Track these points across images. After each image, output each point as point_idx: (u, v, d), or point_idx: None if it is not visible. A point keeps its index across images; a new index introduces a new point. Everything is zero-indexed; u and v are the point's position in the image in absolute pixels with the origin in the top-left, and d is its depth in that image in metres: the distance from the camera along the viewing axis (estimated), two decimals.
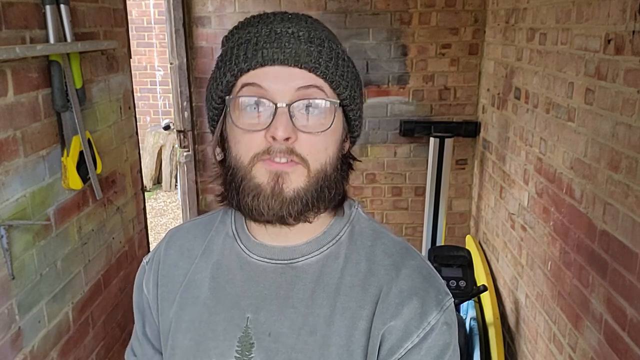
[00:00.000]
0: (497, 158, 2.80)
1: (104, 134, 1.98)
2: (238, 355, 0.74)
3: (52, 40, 1.56)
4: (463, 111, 3.18)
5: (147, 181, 6.08)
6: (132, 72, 2.30)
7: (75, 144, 1.68)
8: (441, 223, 3.10)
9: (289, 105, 0.67)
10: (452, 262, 2.45)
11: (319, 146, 0.70)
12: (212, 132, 0.79)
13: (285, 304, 0.75)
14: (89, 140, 1.76)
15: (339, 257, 0.77)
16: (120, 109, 2.15)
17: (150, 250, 0.94)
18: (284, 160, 0.68)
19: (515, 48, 2.51)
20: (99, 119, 1.94)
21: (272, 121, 0.67)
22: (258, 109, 0.69)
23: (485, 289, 2.46)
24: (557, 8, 2.02)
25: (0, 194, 1.38)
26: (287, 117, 0.67)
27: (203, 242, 0.84)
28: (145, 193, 2.55)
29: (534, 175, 2.25)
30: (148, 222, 2.52)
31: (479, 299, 2.76)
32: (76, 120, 1.66)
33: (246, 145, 0.70)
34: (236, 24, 0.76)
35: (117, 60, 2.11)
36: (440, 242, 3.11)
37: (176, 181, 5.88)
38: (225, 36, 0.76)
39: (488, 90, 2.96)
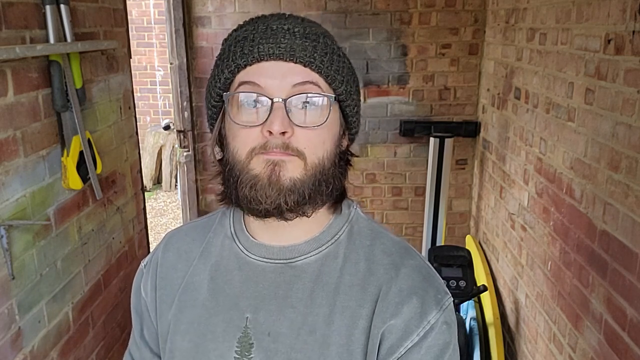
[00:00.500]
0: (497, 158, 2.80)
1: (104, 134, 1.98)
2: (237, 356, 0.74)
3: (52, 40, 1.56)
4: (463, 111, 3.18)
5: (147, 181, 6.08)
6: (132, 72, 2.30)
7: (75, 144, 1.68)
8: (441, 223, 3.10)
9: (285, 100, 0.68)
10: (452, 262, 2.45)
11: (315, 140, 0.70)
12: (211, 131, 0.79)
13: (284, 303, 0.75)
14: (89, 140, 1.76)
15: (338, 257, 0.77)
16: (120, 109, 2.15)
17: (150, 251, 0.94)
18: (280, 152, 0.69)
19: (515, 48, 2.51)
20: (99, 119, 1.94)
21: (268, 116, 0.68)
22: (255, 105, 0.70)
23: (485, 289, 2.46)
24: (557, 8, 2.02)
25: (0, 194, 1.38)
26: (283, 112, 0.68)
27: (201, 244, 0.84)
28: (145, 193, 2.55)
29: (534, 175, 2.25)
30: (148, 222, 2.52)
31: (479, 299, 2.76)
32: (76, 120, 1.66)
33: (243, 140, 0.70)
34: (235, 27, 0.77)
35: (117, 60, 2.11)
36: (440, 242, 3.11)
37: (176, 181, 5.88)
38: (224, 38, 0.77)
39: (488, 90, 2.96)
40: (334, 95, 0.72)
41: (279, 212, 0.71)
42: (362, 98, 3.13)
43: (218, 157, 0.78)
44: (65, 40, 1.62)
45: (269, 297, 0.76)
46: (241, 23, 0.77)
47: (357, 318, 0.73)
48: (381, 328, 0.72)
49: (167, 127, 5.93)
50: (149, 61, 6.38)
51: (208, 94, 0.77)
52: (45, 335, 1.60)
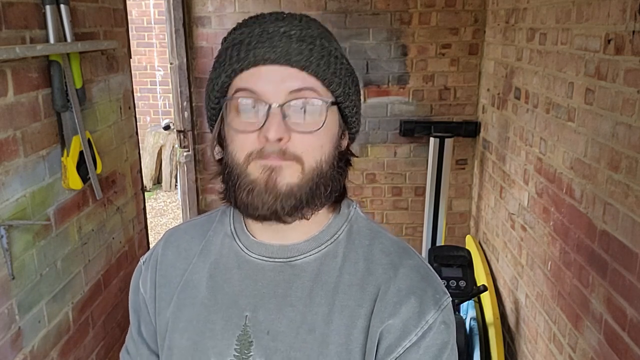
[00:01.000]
0: (497, 158, 2.80)
1: (104, 134, 1.98)
2: (237, 354, 0.75)
3: (52, 40, 1.56)
4: (463, 111, 3.18)
5: (147, 181, 6.07)
6: (132, 72, 2.30)
7: (75, 144, 1.68)
8: (441, 223, 3.10)
9: (281, 106, 0.68)
10: (452, 262, 2.45)
11: (313, 144, 0.71)
12: (212, 131, 0.80)
13: (283, 302, 0.75)
14: (89, 140, 1.76)
15: (337, 256, 0.77)
16: (120, 109, 2.15)
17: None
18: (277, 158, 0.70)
19: (515, 48, 2.51)
20: (99, 119, 1.94)
21: (265, 122, 0.68)
22: (253, 109, 0.70)
23: (485, 289, 2.46)
24: (557, 8, 2.02)
25: (0, 194, 1.38)
26: (279, 117, 0.68)
27: (200, 242, 0.84)
28: (145, 193, 2.55)
29: (534, 175, 2.25)
30: (148, 222, 2.52)
31: (479, 299, 2.76)
32: (76, 120, 1.66)
33: (241, 144, 0.71)
34: (235, 25, 0.76)
35: (117, 60, 2.11)
36: (440, 242, 3.11)
37: (176, 181, 5.88)
38: (224, 37, 0.77)
39: (488, 90, 2.96)
40: (331, 100, 0.72)
41: (277, 216, 0.71)
42: (362, 98, 3.14)
43: (218, 157, 0.79)
44: (65, 40, 1.62)
45: (268, 295, 0.76)
46: (240, 22, 0.76)
47: (356, 317, 0.73)
48: (379, 327, 0.72)
49: (167, 127, 5.93)
50: (149, 61, 6.38)
51: (207, 97, 0.78)
52: (45, 335, 1.60)
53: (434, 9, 3.03)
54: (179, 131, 3.17)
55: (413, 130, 3.14)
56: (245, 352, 0.75)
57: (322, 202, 0.75)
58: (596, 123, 1.69)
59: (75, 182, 1.68)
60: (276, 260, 0.77)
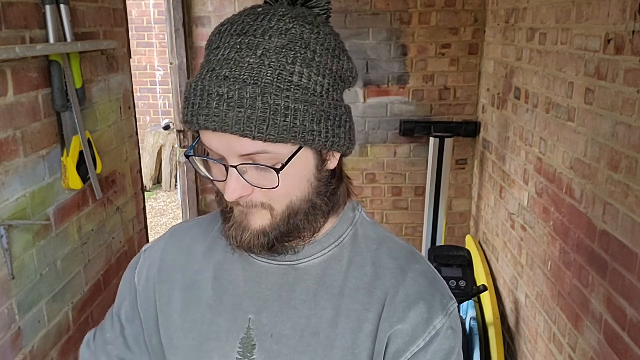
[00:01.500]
0: (497, 158, 2.80)
1: (104, 134, 1.98)
2: (240, 357, 0.75)
3: (52, 40, 1.56)
4: (463, 111, 3.18)
5: (147, 181, 6.07)
6: (132, 72, 2.30)
7: (75, 144, 1.68)
8: (441, 223, 3.10)
9: (236, 166, 0.67)
10: (452, 262, 2.45)
11: (278, 194, 0.69)
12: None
13: (287, 305, 0.75)
14: (89, 140, 1.76)
15: (342, 260, 0.77)
16: (120, 109, 2.15)
17: None
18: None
19: (515, 48, 2.51)
20: (99, 119, 1.94)
21: (227, 178, 0.68)
22: (216, 163, 0.70)
23: (485, 289, 2.46)
24: (557, 8, 2.02)
25: (0, 194, 1.38)
26: (237, 176, 0.67)
27: (205, 242, 0.84)
28: (145, 193, 2.55)
29: (534, 175, 2.25)
30: (148, 222, 2.52)
31: (479, 299, 2.76)
32: (76, 120, 1.66)
33: (219, 188, 0.74)
34: (214, 30, 0.71)
35: (117, 60, 2.11)
36: (440, 242, 3.11)
37: (176, 181, 5.88)
38: (209, 38, 0.71)
39: (488, 90, 2.96)
40: (288, 155, 0.66)
41: (251, 252, 0.74)
42: (362, 98, 3.15)
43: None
44: (65, 40, 1.62)
45: (272, 298, 0.76)
46: (219, 27, 0.70)
47: (363, 322, 0.73)
48: (388, 332, 0.72)
49: (167, 127, 5.93)
50: (149, 61, 6.38)
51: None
52: (45, 335, 1.60)
53: (434, 9, 3.03)
54: (179, 131, 3.17)
55: (413, 130, 3.14)
56: (249, 355, 0.75)
57: (313, 227, 0.75)
58: (596, 123, 1.69)
59: (75, 182, 1.68)
60: (280, 263, 0.77)
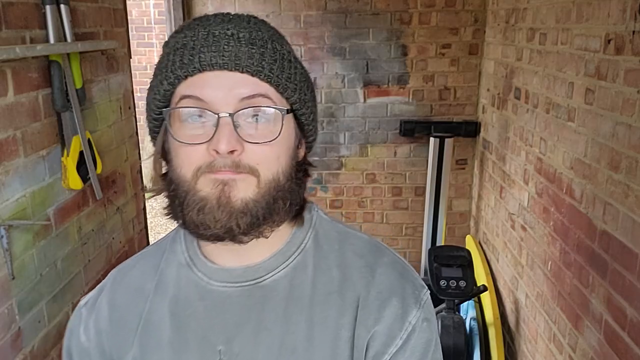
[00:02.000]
0: (497, 158, 2.80)
1: (104, 134, 1.98)
2: None
3: (52, 40, 1.56)
4: (463, 111, 3.18)
5: (147, 181, 6.06)
6: (132, 72, 2.30)
7: (75, 144, 1.68)
8: (441, 223, 3.10)
9: (232, 115, 0.62)
10: (452, 262, 2.45)
11: (269, 155, 0.65)
12: (154, 144, 0.72)
13: (257, 328, 0.69)
14: (89, 140, 1.76)
15: (307, 267, 0.72)
16: (120, 109, 2.15)
17: None
18: (229, 175, 0.63)
19: (515, 48, 2.51)
20: (99, 119, 1.94)
21: (214, 133, 0.62)
22: (199, 119, 0.64)
23: (485, 289, 2.46)
24: (557, 8, 2.02)
25: (0, 194, 1.38)
26: (230, 127, 0.62)
27: (154, 277, 0.76)
28: (145, 193, 2.55)
29: (534, 175, 2.25)
30: (148, 222, 2.52)
31: (479, 299, 2.76)
32: (76, 120, 1.66)
33: (188, 158, 0.64)
34: (177, 28, 0.70)
35: (117, 60, 2.11)
36: (440, 242, 3.11)
37: None
38: (165, 42, 0.70)
39: (488, 90, 2.96)
40: (287, 107, 0.66)
41: (231, 236, 0.65)
42: (362, 98, 3.15)
43: (161, 172, 0.71)
44: (65, 40, 1.62)
45: (240, 323, 0.70)
46: (182, 24, 0.69)
47: (339, 328, 0.69)
48: (367, 336, 0.69)
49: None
50: (149, 61, 6.37)
51: (147, 107, 0.70)
52: (45, 335, 1.60)
53: (434, 9, 3.03)
54: None
55: (413, 130, 3.14)
56: None
57: (281, 218, 0.68)
58: (596, 123, 1.69)
59: (75, 182, 1.68)
60: (242, 284, 0.70)
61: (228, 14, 0.68)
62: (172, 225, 0.73)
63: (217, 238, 0.65)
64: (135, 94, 2.36)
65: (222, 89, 0.62)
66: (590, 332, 1.71)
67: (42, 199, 1.58)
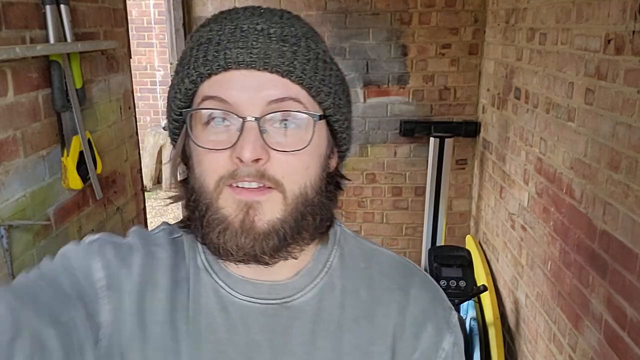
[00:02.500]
0: (497, 158, 2.80)
1: (104, 134, 1.98)
2: None
3: (52, 40, 1.56)
4: (463, 111, 3.18)
5: (147, 181, 6.07)
6: (132, 72, 2.30)
7: (75, 144, 1.68)
8: (441, 223, 3.10)
9: (258, 119, 0.56)
10: (452, 262, 2.45)
11: (297, 166, 0.58)
12: (174, 147, 0.67)
13: (282, 350, 0.63)
14: (89, 140, 1.76)
15: (334, 288, 0.66)
16: (120, 109, 2.15)
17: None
18: (253, 185, 0.57)
19: (515, 48, 2.51)
20: (99, 119, 1.94)
21: (238, 138, 0.56)
22: (223, 123, 0.58)
23: (485, 289, 2.46)
24: (557, 8, 2.02)
25: (0, 194, 1.38)
26: (256, 133, 0.56)
27: (167, 269, 0.66)
28: (145, 193, 2.55)
29: (534, 175, 2.25)
30: (148, 222, 2.52)
31: (479, 299, 2.76)
32: (76, 120, 1.67)
33: (209, 166, 0.58)
34: (202, 22, 0.64)
35: (117, 60, 2.11)
36: (440, 242, 3.11)
37: None
38: (189, 35, 0.64)
39: (488, 90, 2.96)
40: (320, 113, 0.60)
41: (256, 260, 0.59)
42: (363, 98, 3.15)
43: (180, 177, 0.66)
44: (65, 40, 1.62)
45: (261, 344, 0.63)
46: (209, 18, 0.64)
47: (370, 357, 0.64)
48: None
49: (167, 127, 5.93)
50: (149, 61, 6.37)
51: (168, 106, 0.65)
52: None
53: (434, 9, 3.03)
54: None
55: (413, 130, 3.14)
56: None
57: (310, 236, 0.63)
58: (596, 123, 1.69)
59: (75, 182, 1.68)
60: (269, 302, 0.64)
61: (259, 7, 0.62)
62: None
63: (241, 262, 0.60)
64: (135, 94, 2.36)
65: (248, 90, 0.57)
66: (590, 332, 1.71)
67: (42, 199, 1.58)
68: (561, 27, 1.98)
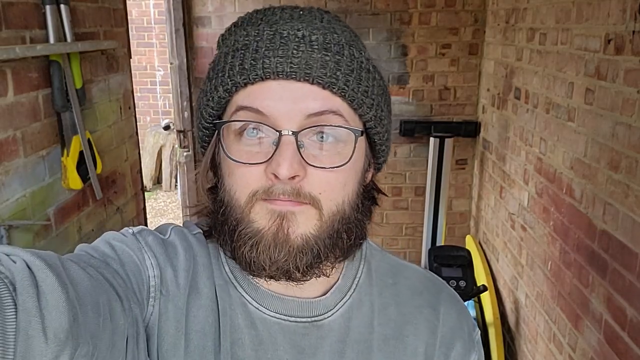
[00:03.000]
0: (497, 158, 2.80)
1: (104, 134, 1.98)
2: None
3: (52, 40, 1.56)
4: (463, 111, 3.18)
5: (147, 181, 6.07)
6: (132, 72, 2.30)
7: (75, 144, 1.68)
8: (441, 223, 3.10)
9: (296, 134, 0.53)
10: (452, 262, 2.45)
11: (334, 183, 0.55)
12: (203, 154, 0.63)
13: None
14: (89, 140, 1.76)
15: (363, 305, 0.64)
16: (120, 109, 2.15)
17: None
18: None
19: (515, 48, 2.51)
20: (99, 119, 1.94)
21: (274, 153, 0.53)
22: (257, 135, 0.55)
23: (485, 289, 2.46)
24: (557, 8, 2.02)
25: (0, 194, 1.38)
26: (293, 148, 0.52)
27: (205, 274, 0.62)
28: (145, 193, 2.55)
29: (534, 175, 2.25)
30: (148, 222, 2.53)
31: (479, 299, 2.76)
32: (76, 120, 1.67)
33: (242, 180, 0.55)
34: (235, 21, 0.61)
35: (117, 60, 2.11)
36: (440, 242, 3.11)
37: (176, 181, 5.88)
38: (222, 35, 0.61)
39: (488, 90, 2.96)
40: (361, 129, 0.56)
41: (288, 276, 0.56)
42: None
43: (209, 185, 0.63)
44: (65, 40, 1.62)
45: None
46: (243, 16, 0.60)
47: None
48: None
49: (167, 127, 5.93)
50: (149, 61, 6.38)
51: (199, 114, 0.61)
52: None
53: (434, 9, 3.03)
54: (179, 131, 3.17)
55: (413, 130, 3.14)
56: None
57: (344, 254, 0.60)
58: (596, 123, 1.69)
59: (75, 182, 1.68)
60: (299, 320, 0.61)
61: (297, 7, 0.58)
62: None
63: (271, 278, 0.58)
64: (135, 94, 2.36)
65: (286, 101, 0.53)
66: (590, 332, 1.71)
67: (42, 199, 1.58)
68: (561, 27, 1.98)
